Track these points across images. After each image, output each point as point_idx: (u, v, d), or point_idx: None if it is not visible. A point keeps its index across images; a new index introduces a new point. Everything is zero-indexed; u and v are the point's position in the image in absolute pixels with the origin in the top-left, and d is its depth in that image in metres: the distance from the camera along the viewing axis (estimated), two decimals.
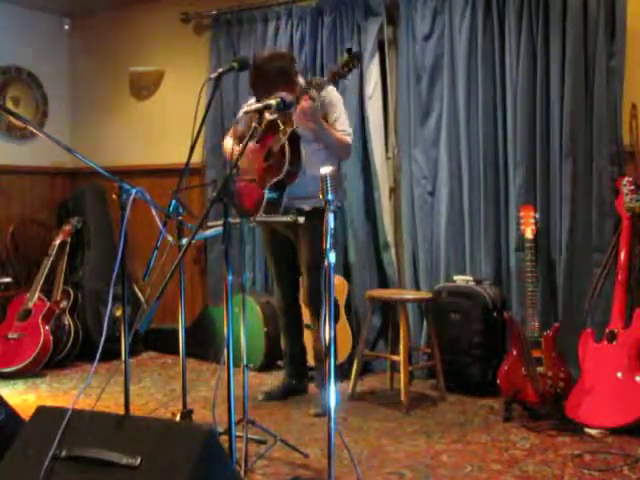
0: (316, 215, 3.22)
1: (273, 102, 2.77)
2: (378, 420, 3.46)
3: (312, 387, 3.88)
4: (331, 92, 3.54)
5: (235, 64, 2.96)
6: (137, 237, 4.42)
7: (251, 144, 3.54)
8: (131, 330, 2.55)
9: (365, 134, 4.38)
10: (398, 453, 3.01)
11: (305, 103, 3.29)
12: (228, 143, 3.76)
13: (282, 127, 3.33)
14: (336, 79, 3.26)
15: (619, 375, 3.23)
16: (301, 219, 2.97)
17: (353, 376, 3.85)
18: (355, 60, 3.21)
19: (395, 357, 3.89)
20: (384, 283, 4.42)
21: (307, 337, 3.91)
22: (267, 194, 3.36)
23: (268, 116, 3.32)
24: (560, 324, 3.57)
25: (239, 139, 3.65)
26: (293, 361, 3.87)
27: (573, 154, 3.76)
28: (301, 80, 3.56)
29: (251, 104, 3.60)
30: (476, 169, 4.08)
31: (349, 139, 3.58)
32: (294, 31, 4.58)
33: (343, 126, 3.56)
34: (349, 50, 3.23)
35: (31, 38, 5.44)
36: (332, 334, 2.21)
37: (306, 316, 3.84)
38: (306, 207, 3.47)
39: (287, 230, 3.65)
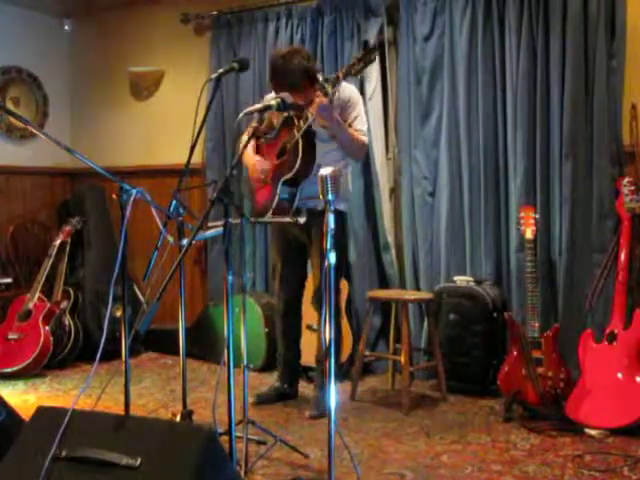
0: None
1: (273, 103, 2.77)
2: (378, 420, 3.46)
3: (307, 389, 3.88)
4: (351, 90, 3.50)
5: (235, 65, 2.95)
6: (137, 237, 4.42)
7: (252, 160, 3.54)
8: (131, 330, 2.55)
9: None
10: (398, 453, 3.01)
11: (319, 99, 3.21)
12: (244, 140, 3.65)
13: (297, 123, 3.30)
14: (351, 74, 3.15)
15: (619, 376, 3.23)
16: (301, 220, 2.95)
17: (354, 376, 3.85)
18: (371, 54, 3.10)
19: (396, 357, 3.89)
20: (384, 283, 4.42)
21: (309, 338, 3.90)
22: (279, 192, 3.34)
23: (284, 113, 3.29)
24: (560, 324, 3.57)
25: (257, 136, 3.62)
26: (287, 365, 3.81)
27: (573, 154, 3.76)
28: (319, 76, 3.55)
29: (267, 99, 3.59)
30: (476, 169, 4.08)
31: (365, 139, 3.52)
32: (294, 31, 4.58)
33: (361, 125, 3.49)
34: (365, 43, 3.17)
35: (31, 38, 5.44)
36: (332, 334, 2.21)
37: (312, 318, 3.84)
38: (319, 207, 3.37)
39: (298, 231, 3.58)
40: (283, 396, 3.77)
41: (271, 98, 3.51)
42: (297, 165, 3.28)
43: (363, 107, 3.57)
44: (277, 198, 3.34)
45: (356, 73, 3.16)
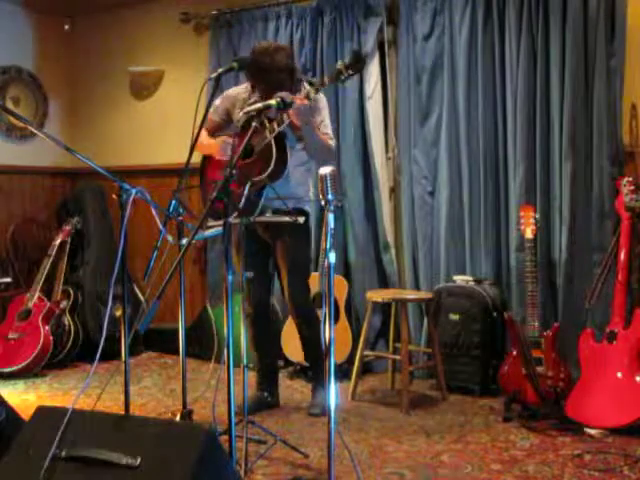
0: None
1: (273, 102, 2.77)
2: (378, 420, 3.46)
3: (306, 388, 3.87)
4: (319, 94, 3.42)
5: (235, 64, 2.95)
6: (137, 237, 4.42)
7: (219, 140, 3.44)
8: (131, 330, 2.55)
9: (365, 134, 4.38)
10: (398, 453, 3.01)
11: (300, 102, 3.17)
12: (204, 137, 3.53)
13: (268, 125, 3.22)
14: (340, 79, 3.11)
15: (619, 375, 3.23)
16: (300, 219, 2.94)
17: (354, 376, 3.85)
18: (359, 64, 3.07)
19: (395, 357, 3.89)
20: (384, 283, 4.42)
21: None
22: (247, 192, 3.29)
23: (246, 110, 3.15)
24: (560, 324, 3.58)
25: (213, 133, 3.53)
26: (265, 373, 3.69)
27: (573, 154, 3.76)
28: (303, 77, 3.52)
29: (228, 95, 3.54)
30: (476, 169, 4.08)
31: (332, 143, 3.47)
32: (294, 31, 4.58)
33: (327, 129, 3.45)
34: (355, 52, 3.12)
35: (31, 38, 5.44)
36: (332, 335, 2.21)
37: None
38: (283, 207, 3.33)
39: (263, 231, 3.51)
40: (265, 406, 3.62)
41: (244, 91, 3.49)
42: (271, 168, 3.23)
43: (328, 112, 3.51)
44: (245, 199, 3.28)
45: (344, 80, 3.11)
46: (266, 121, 3.25)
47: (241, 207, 3.22)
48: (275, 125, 3.22)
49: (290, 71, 3.32)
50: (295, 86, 3.33)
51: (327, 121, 3.49)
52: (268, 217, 3.28)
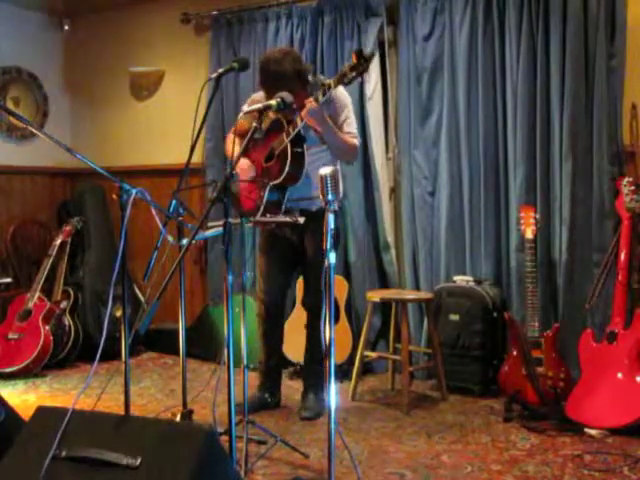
0: (322, 217, 3.18)
1: (273, 103, 2.77)
2: (378, 420, 3.46)
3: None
4: (341, 93, 3.43)
5: (235, 64, 2.95)
6: (137, 237, 4.42)
7: (245, 162, 3.45)
8: (131, 330, 2.55)
9: (365, 134, 4.37)
10: (398, 453, 3.01)
11: (309, 105, 3.17)
12: (231, 139, 3.61)
13: (286, 128, 3.27)
14: (344, 82, 3.05)
15: (619, 375, 3.23)
16: (301, 220, 2.94)
17: (354, 376, 3.85)
18: (364, 64, 2.99)
19: (396, 357, 3.89)
20: (384, 283, 4.42)
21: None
22: (267, 195, 3.31)
23: (272, 115, 3.23)
24: (560, 324, 3.58)
25: (242, 136, 3.59)
26: (268, 374, 3.68)
27: (573, 154, 3.76)
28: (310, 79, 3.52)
29: (254, 99, 3.54)
30: (476, 169, 4.08)
31: (356, 141, 3.47)
32: (294, 31, 4.58)
33: (351, 128, 3.44)
34: (359, 52, 3.01)
35: (31, 38, 5.44)
36: (332, 335, 2.21)
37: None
38: (312, 208, 3.37)
39: (291, 232, 3.53)
40: (265, 406, 3.61)
41: (260, 97, 3.50)
42: (285, 173, 3.25)
43: (352, 109, 3.51)
44: (264, 201, 3.28)
45: (348, 82, 3.06)
46: (285, 124, 3.27)
47: (260, 210, 3.25)
48: (290, 129, 3.24)
49: (299, 75, 3.31)
50: (308, 87, 3.32)
51: (351, 119, 3.46)
52: (268, 218, 3.29)
